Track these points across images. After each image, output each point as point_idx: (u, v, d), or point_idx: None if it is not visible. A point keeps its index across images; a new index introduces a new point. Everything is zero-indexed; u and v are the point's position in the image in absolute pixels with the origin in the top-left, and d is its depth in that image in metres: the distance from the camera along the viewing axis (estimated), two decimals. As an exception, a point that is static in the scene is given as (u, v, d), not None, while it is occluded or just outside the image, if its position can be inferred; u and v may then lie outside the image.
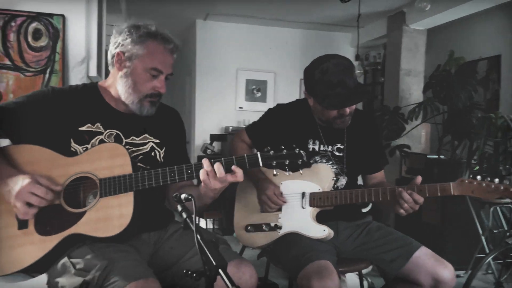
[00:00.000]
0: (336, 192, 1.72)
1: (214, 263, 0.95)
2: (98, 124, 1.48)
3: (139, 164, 1.51)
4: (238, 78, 5.25)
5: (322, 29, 5.38)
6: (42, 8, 2.17)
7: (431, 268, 1.60)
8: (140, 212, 1.38)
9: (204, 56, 5.18)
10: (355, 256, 1.81)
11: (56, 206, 1.35)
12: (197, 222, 1.09)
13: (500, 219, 3.24)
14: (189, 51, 5.57)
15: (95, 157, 1.40)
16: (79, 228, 1.34)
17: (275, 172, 1.47)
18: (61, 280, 1.32)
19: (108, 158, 1.39)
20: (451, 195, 1.56)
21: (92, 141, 1.45)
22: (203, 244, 1.00)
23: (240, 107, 5.28)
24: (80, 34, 2.22)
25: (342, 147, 1.85)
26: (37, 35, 2.17)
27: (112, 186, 1.36)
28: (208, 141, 4.87)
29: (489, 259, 2.54)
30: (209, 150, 4.70)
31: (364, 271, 2.97)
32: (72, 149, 1.43)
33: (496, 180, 1.48)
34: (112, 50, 1.49)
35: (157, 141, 1.57)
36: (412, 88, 4.53)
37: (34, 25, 2.16)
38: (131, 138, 1.52)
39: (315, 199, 1.74)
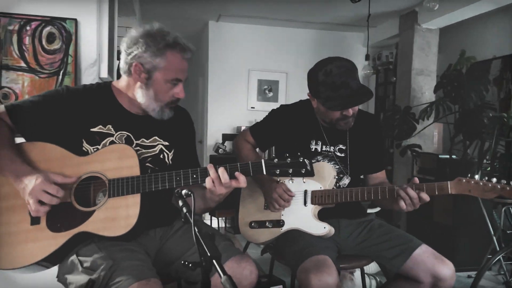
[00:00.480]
0: (337, 190, 1.74)
1: (209, 254, 1.01)
2: (110, 126, 1.51)
3: (147, 164, 1.54)
4: (250, 78, 5.30)
5: (334, 29, 5.37)
6: (56, 13, 2.24)
7: (431, 266, 1.61)
8: (147, 211, 1.42)
9: (216, 56, 5.25)
10: (356, 253, 1.83)
11: (67, 204, 1.39)
12: (197, 218, 1.14)
13: (513, 219, 3.20)
14: (202, 52, 5.64)
15: (105, 158, 1.44)
16: (88, 226, 1.38)
17: (278, 179, 1.48)
18: (69, 277, 1.38)
19: (117, 159, 1.43)
20: (448, 193, 1.56)
21: (103, 142, 1.49)
22: (199, 237, 1.05)
23: (252, 107, 5.32)
24: (91, 37, 2.29)
25: (344, 147, 1.87)
26: (51, 38, 2.25)
27: (120, 187, 1.40)
28: (220, 141, 4.93)
29: (499, 257, 2.52)
30: (221, 149, 4.75)
31: (373, 271, 2.99)
32: (84, 149, 1.48)
33: (494, 179, 1.48)
34: (127, 59, 1.48)
35: (166, 143, 1.60)
36: (424, 88, 4.50)
37: (48, 29, 2.24)
38: (141, 140, 1.56)
39: (316, 197, 1.77)
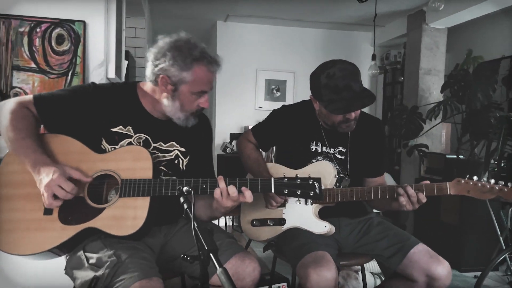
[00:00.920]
0: (338, 190, 1.75)
1: (206, 248, 1.05)
2: (130, 127, 1.55)
3: (161, 167, 1.58)
4: (258, 78, 5.33)
5: (342, 29, 5.37)
6: (65, 15, 2.30)
7: (425, 265, 1.61)
8: (155, 213, 1.45)
9: (224, 56, 5.16)
10: (356, 251, 1.85)
11: (80, 198, 1.43)
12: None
13: (520, 220, 3.19)
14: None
15: (120, 157, 1.48)
16: (97, 222, 1.41)
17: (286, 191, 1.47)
18: (76, 272, 1.42)
19: (132, 160, 1.46)
20: (448, 194, 1.57)
21: (121, 142, 1.53)
22: (198, 231, 1.10)
23: (259, 107, 5.35)
24: (99, 38, 2.35)
25: (344, 150, 1.87)
26: (60, 40, 2.31)
27: (132, 188, 1.42)
28: (228, 140, 4.96)
29: (505, 257, 2.51)
30: (228, 149, 4.79)
31: (377, 270, 3.00)
32: (102, 147, 1.52)
33: (492, 180, 1.48)
34: (154, 70, 1.50)
35: (183, 149, 1.63)
36: (432, 87, 4.48)
37: (57, 30, 2.31)
38: (159, 143, 1.59)
39: (317, 195, 1.78)
